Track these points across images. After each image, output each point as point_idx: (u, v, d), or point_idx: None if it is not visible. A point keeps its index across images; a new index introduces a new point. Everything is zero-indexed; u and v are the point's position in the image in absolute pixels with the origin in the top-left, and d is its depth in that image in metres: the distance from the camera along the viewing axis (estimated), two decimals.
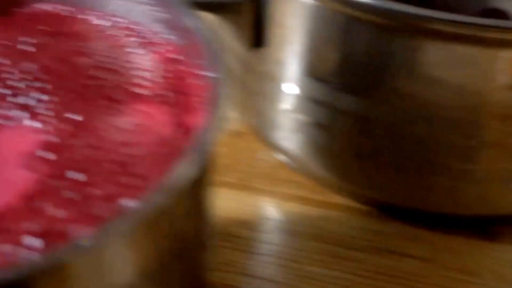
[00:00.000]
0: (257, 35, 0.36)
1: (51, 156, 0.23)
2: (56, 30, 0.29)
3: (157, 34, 0.29)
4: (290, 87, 0.36)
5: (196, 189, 0.24)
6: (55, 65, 0.27)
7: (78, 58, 0.27)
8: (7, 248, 0.20)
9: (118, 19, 0.29)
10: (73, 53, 0.27)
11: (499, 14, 0.37)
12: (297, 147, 0.38)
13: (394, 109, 0.33)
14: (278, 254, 0.36)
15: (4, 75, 0.26)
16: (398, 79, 0.33)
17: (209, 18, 0.34)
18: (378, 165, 0.35)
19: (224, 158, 0.39)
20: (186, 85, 0.26)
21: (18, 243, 0.20)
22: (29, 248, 0.20)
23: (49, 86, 0.26)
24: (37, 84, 0.26)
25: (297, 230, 0.37)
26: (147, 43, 0.29)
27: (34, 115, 0.24)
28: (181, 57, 0.28)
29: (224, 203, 0.34)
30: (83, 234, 0.20)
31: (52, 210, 0.21)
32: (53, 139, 0.23)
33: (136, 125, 0.24)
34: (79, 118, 0.24)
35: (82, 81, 0.26)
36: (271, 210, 0.38)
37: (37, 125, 0.24)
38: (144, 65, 0.27)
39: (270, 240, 0.37)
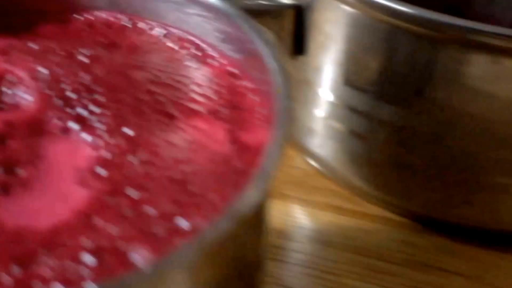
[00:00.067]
0: (298, 42, 0.35)
1: (107, 172, 0.22)
2: (112, 41, 0.28)
3: (213, 46, 0.28)
4: (328, 95, 0.35)
5: (259, 213, 0.23)
6: (110, 77, 0.26)
7: (134, 71, 0.27)
8: (64, 263, 0.20)
9: (174, 30, 0.29)
10: (128, 66, 0.27)
11: None
12: (333, 155, 0.37)
13: (434, 120, 0.33)
14: (312, 265, 0.35)
15: (61, 86, 0.25)
16: (440, 90, 0.32)
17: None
18: (417, 176, 0.35)
19: None
20: (243, 100, 0.26)
21: (74, 259, 0.20)
22: (85, 265, 0.20)
23: (103, 99, 0.25)
24: (95, 97, 0.25)
25: (331, 241, 0.36)
26: (203, 56, 0.28)
27: (89, 129, 0.24)
28: (237, 71, 0.27)
29: None
30: (146, 260, 0.20)
31: (108, 227, 0.21)
32: (108, 154, 0.23)
33: (191, 141, 0.24)
34: (134, 133, 0.24)
35: (137, 95, 0.25)
36: (304, 218, 0.38)
37: (92, 139, 0.24)
38: (199, 79, 0.27)
39: (303, 250, 0.36)
